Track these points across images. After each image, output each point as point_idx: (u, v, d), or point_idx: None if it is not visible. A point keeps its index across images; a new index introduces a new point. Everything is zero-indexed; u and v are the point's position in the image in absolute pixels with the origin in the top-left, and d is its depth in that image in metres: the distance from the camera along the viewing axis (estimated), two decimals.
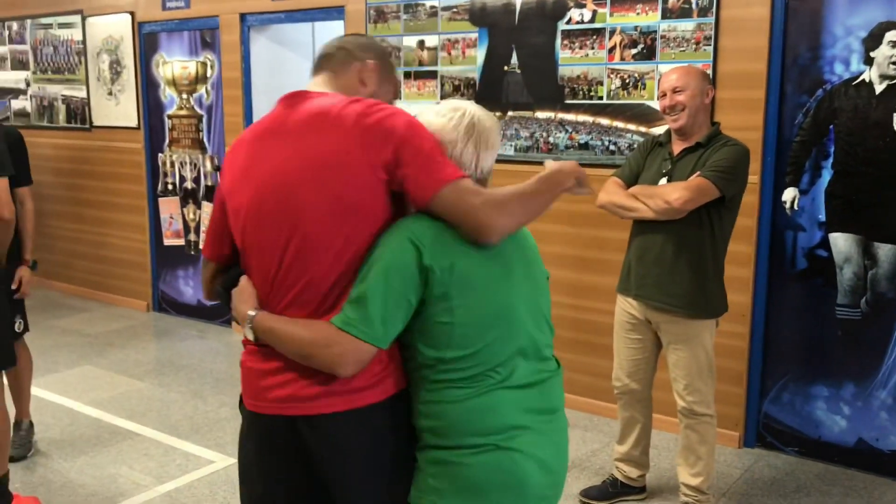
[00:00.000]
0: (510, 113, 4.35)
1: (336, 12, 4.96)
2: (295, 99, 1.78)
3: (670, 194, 2.91)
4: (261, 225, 1.73)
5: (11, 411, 3.49)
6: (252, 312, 1.72)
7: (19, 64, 6.89)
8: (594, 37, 4.08)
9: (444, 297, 1.66)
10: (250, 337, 1.73)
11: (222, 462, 3.69)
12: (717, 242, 3.03)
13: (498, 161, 3.96)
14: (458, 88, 4.49)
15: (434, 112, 1.81)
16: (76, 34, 6.39)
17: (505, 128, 4.36)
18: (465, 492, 1.71)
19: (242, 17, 5.41)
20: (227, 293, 1.83)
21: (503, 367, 1.72)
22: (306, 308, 1.70)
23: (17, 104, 6.96)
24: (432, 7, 4.53)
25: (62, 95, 6.61)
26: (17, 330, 3.68)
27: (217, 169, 5.71)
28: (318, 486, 1.75)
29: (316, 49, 5.94)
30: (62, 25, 6.48)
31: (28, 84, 6.85)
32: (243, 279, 1.78)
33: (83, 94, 6.43)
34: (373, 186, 1.65)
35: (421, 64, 4.61)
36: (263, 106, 5.34)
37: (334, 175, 1.64)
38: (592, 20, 4.07)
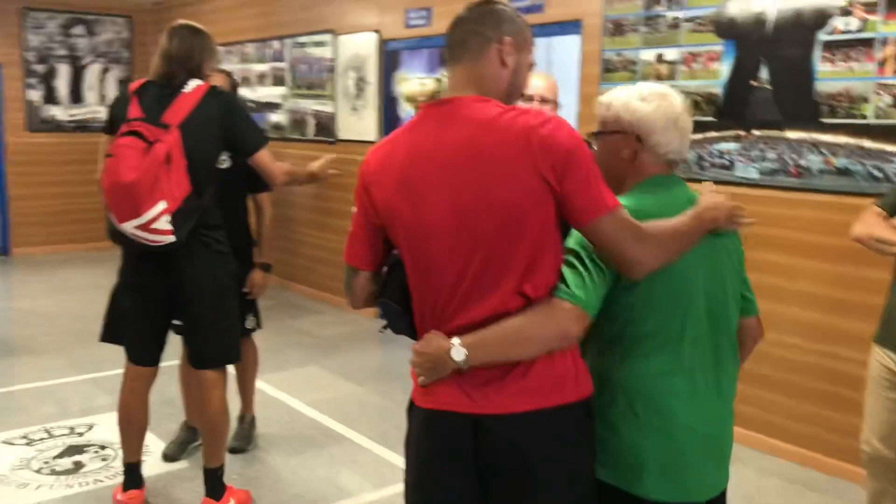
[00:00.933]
0: (755, 132, 3.95)
1: (572, 26, 4.81)
2: (447, 107, 1.74)
3: None
4: (437, 242, 1.70)
5: (235, 405, 3.67)
6: (455, 339, 1.67)
7: (278, 80, 7.42)
8: (861, 48, 3.59)
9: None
10: (459, 358, 1.66)
11: None
12: None
13: (739, 184, 3.61)
14: (698, 104, 4.15)
15: (639, 96, 1.84)
16: (328, 52, 6.76)
17: (749, 148, 3.96)
18: (625, 465, 1.74)
19: None
20: (397, 305, 1.82)
21: (677, 346, 1.75)
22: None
23: (274, 117, 7.51)
24: (674, 18, 4.24)
25: (312, 110, 7.03)
26: (247, 326, 3.86)
27: None
28: (492, 493, 1.73)
29: (550, 63, 5.83)
30: (316, 44, 6.90)
31: (284, 99, 7.37)
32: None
33: (330, 108, 6.79)
34: (539, 196, 1.64)
35: (659, 78, 4.33)
36: None
37: (503, 187, 1.64)
38: (861, 29, 3.59)
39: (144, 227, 2.82)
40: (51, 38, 8.82)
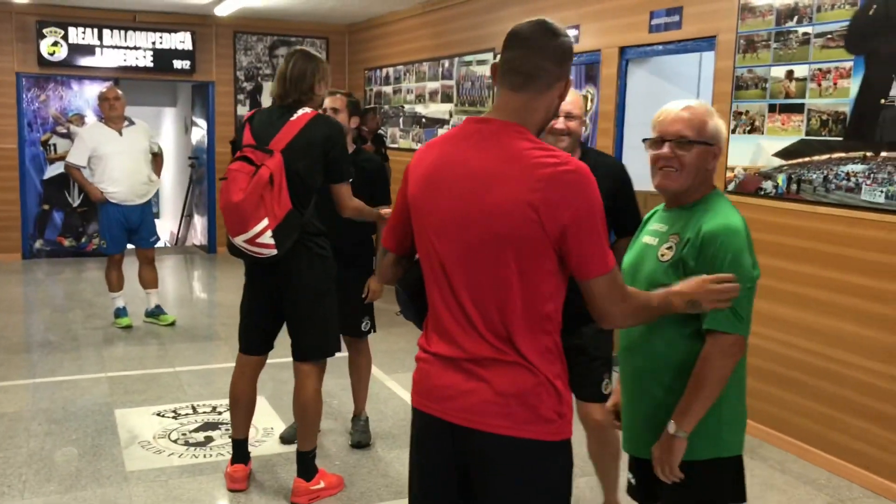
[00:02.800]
0: (884, 153, 3.69)
1: (707, 43, 4.72)
2: (486, 127, 1.83)
3: None
4: (440, 244, 1.84)
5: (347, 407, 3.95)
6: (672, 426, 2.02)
7: (446, 97, 7.79)
8: None
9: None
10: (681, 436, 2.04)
11: None
12: None
13: (863, 209, 3.63)
14: (826, 123, 3.95)
15: (716, 114, 2.12)
16: (489, 70, 7.01)
17: (876, 171, 3.72)
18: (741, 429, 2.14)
19: (622, 50, 5.43)
20: (405, 293, 1.98)
21: None
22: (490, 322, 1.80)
23: (441, 132, 7.87)
24: (805, 34, 4.06)
25: None
26: (363, 329, 4.15)
27: None
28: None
29: (701, 81, 5.71)
30: (479, 62, 7.17)
31: (451, 115, 7.71)
32: None
33: None
34: (524, 225, 1.73)
35: (787, 96, 4.16)
36: (634, 139, 5.28)
37: (498, 211, 1.75)
38: None
39: (251, 241, 3.22)
40: (258, 58, 9.80)
